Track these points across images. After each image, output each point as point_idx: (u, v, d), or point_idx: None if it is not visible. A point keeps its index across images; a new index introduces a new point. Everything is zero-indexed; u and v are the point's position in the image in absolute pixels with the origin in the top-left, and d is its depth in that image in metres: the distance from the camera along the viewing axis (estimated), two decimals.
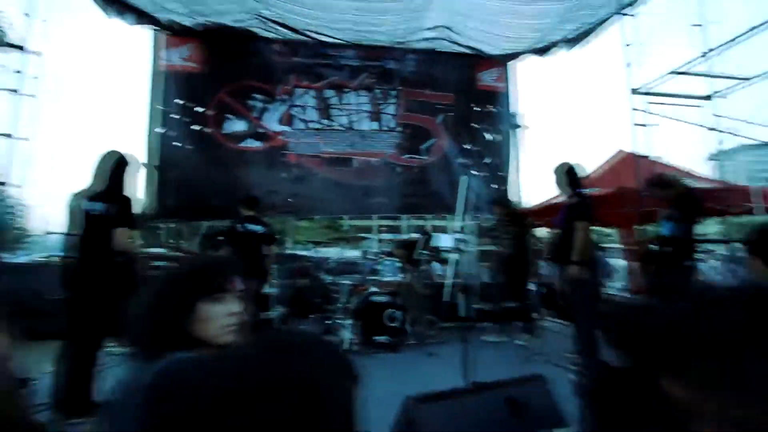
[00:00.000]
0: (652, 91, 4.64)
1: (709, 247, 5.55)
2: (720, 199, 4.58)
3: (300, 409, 0.38)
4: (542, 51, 6.76)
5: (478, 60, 7.00)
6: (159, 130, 5.76)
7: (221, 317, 0.93)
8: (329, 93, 6.56)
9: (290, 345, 0.46)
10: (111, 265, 2.58)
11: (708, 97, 4.84)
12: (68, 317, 2.56)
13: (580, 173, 3.56)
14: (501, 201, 4.93)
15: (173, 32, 5.88)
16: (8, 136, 3.86)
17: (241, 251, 4.26)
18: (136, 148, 5.57)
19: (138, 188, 2.89)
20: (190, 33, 5.91)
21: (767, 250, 1.23)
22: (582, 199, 3.47)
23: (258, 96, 6.24)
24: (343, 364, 0.47)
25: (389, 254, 5.49)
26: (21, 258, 7.12)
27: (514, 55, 7.00)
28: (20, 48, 4.03)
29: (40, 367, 2.72)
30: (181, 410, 0.37)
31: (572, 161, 3.60)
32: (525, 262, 4.84)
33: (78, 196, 2.69)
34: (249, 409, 0.37)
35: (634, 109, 4.47)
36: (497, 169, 6.97)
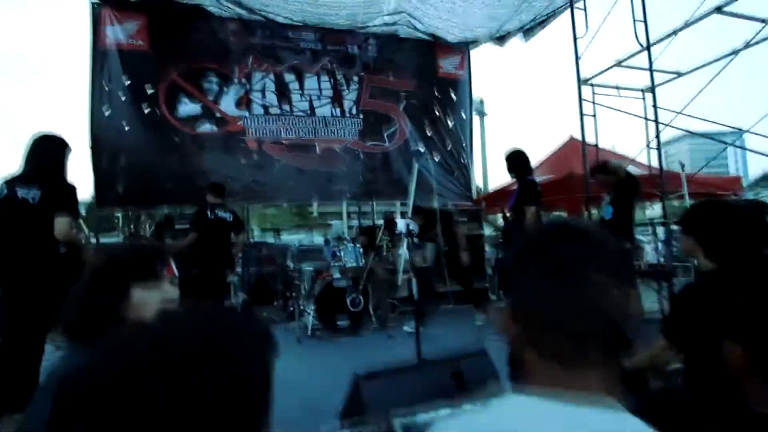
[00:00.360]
0: (598, 82, 4.88)
1: (650, 228, 5.99)
2: (659, 184, 4.93)
3: (216, 377, 0.40)
4: (500, 39, 6.91)
5: (439, 47, 7.04)
6: (104, 111, 5.39)
7: (156, 303, 0.93)
8: (289, 77, 6.40)
9: (204, 317, 0.48)
10: (50, 255, 2.44)
11: (651, 90, 5.14)
12: (5, 312, 2.42)
13: (529, 159, 3.72)
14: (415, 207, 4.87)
15: (111, 5, 5.45)
16: None
17: (211, 239, 4.21)
18: (78, 131, 5.21)
19: (74, 173, 2.72)
20: (132, 7, 5.52)
21: (697, 228, 1.33)
22: (530, 185, 3.64)
23: (213, 78, 5.97)
24: (260, 332, 0.48)
25: (352, 240, 5.53)
26: None
27: (473, 43, 7.11)
28: None
29: None
30: (96, 393, 0.39)
31: (522, 148, 3.77)
32: (458, 254, 4.99)
33: (9, 182, 2.51)
34: (165, 380, 0.39)
35: (582, 99, 4.69)
36: (459, 156, 7.12)
